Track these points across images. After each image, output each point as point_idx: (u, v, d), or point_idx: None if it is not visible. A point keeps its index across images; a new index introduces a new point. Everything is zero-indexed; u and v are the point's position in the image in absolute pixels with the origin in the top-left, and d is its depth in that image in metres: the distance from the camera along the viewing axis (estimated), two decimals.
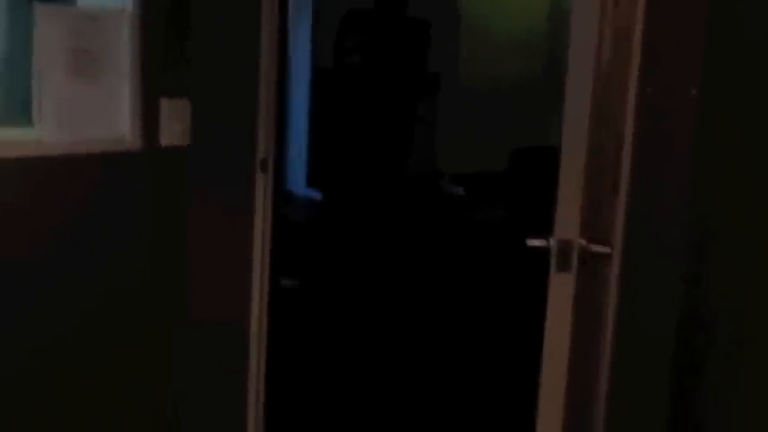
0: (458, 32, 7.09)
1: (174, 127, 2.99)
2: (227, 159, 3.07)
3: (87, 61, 2.81)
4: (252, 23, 3.00)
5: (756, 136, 2.43)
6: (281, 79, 3.09)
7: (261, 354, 3.19)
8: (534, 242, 2.23)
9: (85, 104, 2.82)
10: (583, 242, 2.18)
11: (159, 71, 2.92)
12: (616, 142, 2.29)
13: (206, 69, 3.00)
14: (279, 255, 3.23)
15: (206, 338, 3.11)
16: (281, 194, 7.62)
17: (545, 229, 2.17)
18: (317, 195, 7.47)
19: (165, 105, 2.95)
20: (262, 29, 3.00)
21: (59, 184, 2.74)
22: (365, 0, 6.18)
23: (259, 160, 3.09)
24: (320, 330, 5.07)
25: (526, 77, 7.16)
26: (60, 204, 2.74)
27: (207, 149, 3.03)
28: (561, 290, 2.17)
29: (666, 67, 2.37)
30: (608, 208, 2.28)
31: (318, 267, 5.92)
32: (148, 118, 2.92)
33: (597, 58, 2.22)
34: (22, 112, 2.70)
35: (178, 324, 3.07)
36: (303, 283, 5.61)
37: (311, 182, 7.55)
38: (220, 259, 3.10)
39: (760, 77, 2.40)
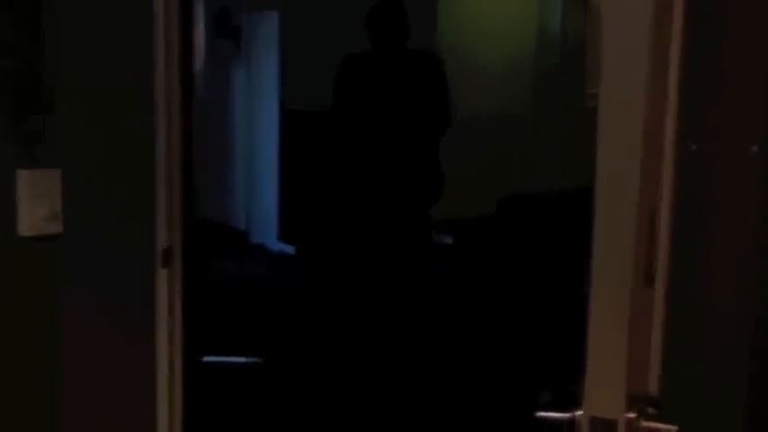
0: None
1: (39, 209, 2.13)
2: (116, 253, 2.21)
3: None
4: (142, 54, 2.15)
5: None
6: (188, 133, 2.25)
7: None
8: (548, 415, 1.37)
9: None
10: (633, 418, 1.33)
11: (14, 130, 2.07)
12: (648, 215, 1.51)
13: (83, 125, 2.15)
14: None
15: None
16: (250, 250, 6.98)
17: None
18: (289, 249, 6.82)
19: (25, 179, 2.10)
20: (156, 63, 2.16)
21: None
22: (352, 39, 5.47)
23: (160, 251, 2.23)
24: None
25: (511, 111, 6.72)
26: None
27: (86, 239, 2.18)
28: None
29: (716, 116, 1.75)
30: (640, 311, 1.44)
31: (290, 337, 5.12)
32: (0, 197, 2.07)
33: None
34: None
35: None
36: (267, 361, 4.79)
37: (284, 235, 6.93)
38: (112, 391, 2.25)
39: None
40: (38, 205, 2.13)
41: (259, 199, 7.10)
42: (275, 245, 6.97)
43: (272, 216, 7.01)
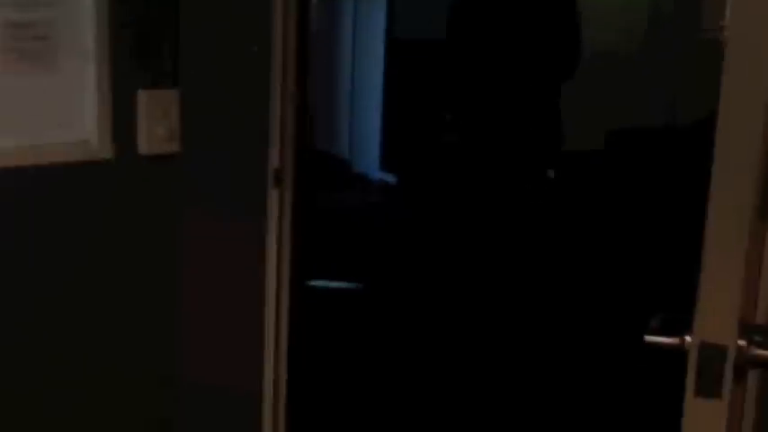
0: None
1: (157, 128, 2.20)
2: (230, 171, 2.28)
3: (31, 40, 2.05)
4: None
5: None
6: (302, 61, 2.28)
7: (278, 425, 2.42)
8: (657, 339, 1.38)
9: (30, 98, 2.07)
10: (743, 345, 1.33)
11: (135, 51, 2.14)
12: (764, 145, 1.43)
13: (201, 48, 2.20)
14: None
15: (203, 408, 2.35)
16: (354, 179, 7.03)
17: None
18: (390, 179, 6.86)
19: (145, 99, 2.17)
20: None
21: None
22: None
23: (272, 171, 2.29)
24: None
25: (622, 44, 6.54)
26: None
27: (202, 159, 2.25)
28: (703, 426, 1.32)
29: None
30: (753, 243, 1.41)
31: (388, 267, 5.15)
32: (121, 116, 2.14)
33: None
34: None
35: (165, 389, 2.32)
36: (367, 287, 4.86)
37: (386, 164, 6.96)
38: (222, 306, 2.33)
39: None
40: (157, 125, 2.20)
41: (363, 129, 7.13)
42: (377, 174, 7.01)
43: (375, 146, 7.04)
